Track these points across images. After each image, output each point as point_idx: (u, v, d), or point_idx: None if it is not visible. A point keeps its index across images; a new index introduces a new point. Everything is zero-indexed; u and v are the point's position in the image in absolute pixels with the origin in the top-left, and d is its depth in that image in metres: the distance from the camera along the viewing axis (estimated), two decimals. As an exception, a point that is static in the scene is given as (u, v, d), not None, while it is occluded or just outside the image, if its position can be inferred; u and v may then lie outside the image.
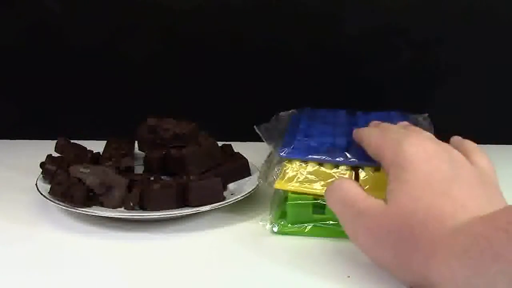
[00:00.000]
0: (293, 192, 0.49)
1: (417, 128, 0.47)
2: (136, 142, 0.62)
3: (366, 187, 0.48)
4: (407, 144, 0.41)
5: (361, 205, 0.41)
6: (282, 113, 0.60)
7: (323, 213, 0.49)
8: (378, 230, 0.40)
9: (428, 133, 0.45)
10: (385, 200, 0.40)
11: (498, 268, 0.32)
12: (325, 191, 0.45)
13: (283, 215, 0.50)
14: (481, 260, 0.33)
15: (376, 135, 0.46)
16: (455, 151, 0.42)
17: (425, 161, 0.40)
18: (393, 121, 0.56)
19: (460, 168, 0.40)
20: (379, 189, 0.47)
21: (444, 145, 0.43)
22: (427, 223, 0.37)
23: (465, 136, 0.47)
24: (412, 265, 0.38)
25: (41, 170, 0.57)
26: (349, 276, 0.42)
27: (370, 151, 0.45)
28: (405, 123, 0.51)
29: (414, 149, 0.41)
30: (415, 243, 0.37)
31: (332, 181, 0.46)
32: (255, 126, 0.56)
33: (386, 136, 0.44)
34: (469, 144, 0.46)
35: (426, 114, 0.60)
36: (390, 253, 0.39)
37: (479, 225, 0.35)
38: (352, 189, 0.43)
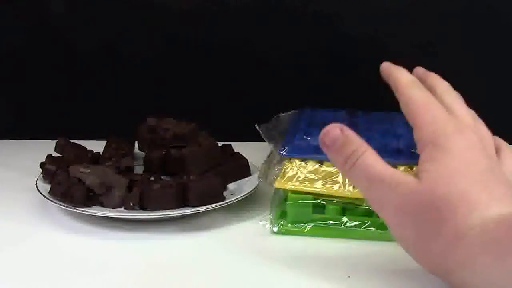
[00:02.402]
0: (293, 192, 0.49)
1: (465, 111, 0.44)
2: (136, 142, 0.62)
3: None
4: (452, 129, 0.39)
5: (390, 181, 0.39)
6: (282, 114, 0.60)
7: (323, 213, 0.49)
8: (406, 208, 0.38)
9: (470, 119, 0.43)
10: (416, 176, 0.39)
11: None
12: (346, 167, 0.41)
13: (283, 215, 0.50)
14: (507, 249, 0.33)
15: (418, 98, 0.42)
16: (491, 148, 0.42)
17: (467, 150, 0.39)
18: (393, 121, 0.57)
19: (495, 164, 0.40)
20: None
21: (484, 135, 0.42)
22: (457, 209, 0.37)
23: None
24: (432, 249, 0.37)
25: (41, 170, 0.57)
26: (349, 276, 0.42)
27: (404, 110, 0.42)
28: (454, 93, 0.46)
29: (456, 135, 0.39)
30: (440, 227, 0.37)
31: (351, 155, 0.41)
32: (256, 125, 0.56)
33: (430, 106, 0.41)
34: (501, 142, 0.45)
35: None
36: (413, 233, 0.38)
37: None
38: (377, 165, 0.40)
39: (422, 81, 0.46)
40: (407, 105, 0.42)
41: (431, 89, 0.44)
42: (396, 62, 0.73)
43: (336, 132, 0.41)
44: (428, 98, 0.42)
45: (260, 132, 0.56)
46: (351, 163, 0.41)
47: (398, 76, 0.45)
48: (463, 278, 0.36)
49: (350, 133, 0.42)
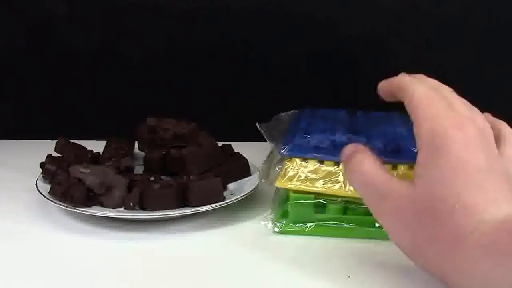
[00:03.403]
0: (295, 192, 0.49)
1: (462, 103, 0.42)
2: (136, 142, 0.62)
3: None
4: (449, 125, 0.38)
5: (385, 188, 0.40)
6: (282, 114, 0.61)
7: (325, 213, 0.49)
8: (402, 213, 0.39)
9: (469, 111, 0.41)
10: (411, 182, 0.39)
11: None
12: (345, 170, 0.42)
13: (284, 215, 0.50)
14: (508, 252, 0.33)
15: (421, 92, 0.41)
16: (491, 139, 0.40)
17: (462, 147, 0.37)
18: (393, 121, 0.57)
19: (494, 160, 0.38)
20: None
21: (484, 127, 0.40)
22: (454, 212, 0.36)
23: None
24: (429, 253, 0.37)
25: (41, 170, 0.57)
26: (349, 276, 0.42)
27: (408, 108, 0.41)
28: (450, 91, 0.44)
29: (454, 132, 0.38)
30: (437, 231, 0.37)
31: (350, 158, 0.42)
32: (257, 124, 0.56)
33: (432, 101, 0.40)
34: (505, 128, 0.44)
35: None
36: (408, 237, 0.38)
37: None
38: (374, 171, 0.41)
39: None
40: (410, 103, 0.41)
41: None
42: (396, 62, 0.73)
43: (348, 147, 0.43)
44: (429, 93, 0.41)
45: (261, 131, 0.56)
46: (349, 165, 0.42)
47: (400, 79, 0.44)
48: (462, 281, 0.35)
49: (357, 144, 0.43)
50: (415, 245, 0.38)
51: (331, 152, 0.50)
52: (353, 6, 0.71)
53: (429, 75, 0.74)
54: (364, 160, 0.42)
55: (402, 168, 0.48)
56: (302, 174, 0.49)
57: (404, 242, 0.39)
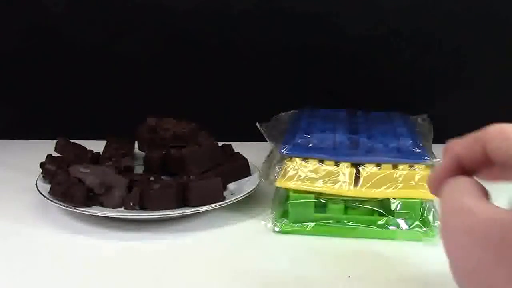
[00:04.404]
0: (295, 191, 0.49)
1: None
2: (136, 142, 0.62)
3: (368, 184, 0.48)
4: None
5: (468, 202, 0.34)
6: (282, 114, 0.61)
7: (325, 212, 0.49)
8: (474, 231, 0.32)
9: None
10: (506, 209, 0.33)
11: None
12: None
13: (284, 214, 0.50)
14: None
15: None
16: None
17: None
18: (393, 121, 0.57)
19: None
20: (381, 185, 0.47)
21: None
22: None
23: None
24: (494, 278, 0.33)
25: (41, 170, 0.57)
26: (349, 276, 0.42)
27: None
28: None
29: None
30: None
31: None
32: (257, 124, 0.56)
33: None
34: None
35: (426, 115, 0.60)
36: (475, 262, 0.32)
37: None
38: (465, 184, 0.35)
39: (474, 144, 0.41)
40: None
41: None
42: (396, 61, 0.73)
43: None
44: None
45: (261, 130, 0.56)
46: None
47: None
48: None
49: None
50: (480, 269, 0.33)
51: (331, 152, 0.50)
52: (353, 6, 0.71)
53: (429, 75, 0.74)
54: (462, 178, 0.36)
55: (402, 168, 0.48)
56: (302, 173, 0.49)
57: (465, 265, 0.34)
